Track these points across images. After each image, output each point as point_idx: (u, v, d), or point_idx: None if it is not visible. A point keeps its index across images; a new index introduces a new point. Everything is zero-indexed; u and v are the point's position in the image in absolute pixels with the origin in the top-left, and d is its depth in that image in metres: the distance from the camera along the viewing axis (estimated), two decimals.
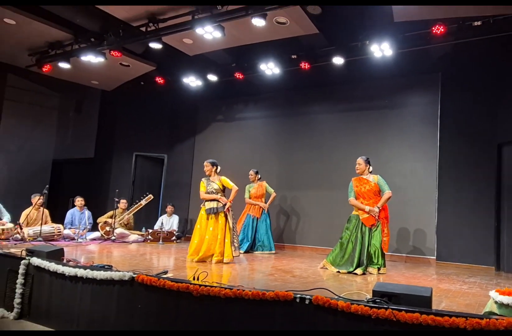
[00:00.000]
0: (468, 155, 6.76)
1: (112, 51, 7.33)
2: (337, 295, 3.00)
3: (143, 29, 6.72)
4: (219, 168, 6.15)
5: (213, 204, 5.88)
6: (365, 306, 2.67)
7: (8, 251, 4.96)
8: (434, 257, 6.80)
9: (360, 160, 5.76)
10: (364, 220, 5.49)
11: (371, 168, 5.80)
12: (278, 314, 2.96)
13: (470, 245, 6.53)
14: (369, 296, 2.89)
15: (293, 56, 7.53)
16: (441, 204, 6.88)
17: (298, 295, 2.92)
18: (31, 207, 7.59)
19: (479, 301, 3.75)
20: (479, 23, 5.90)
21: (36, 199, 7.56)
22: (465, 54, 6.83)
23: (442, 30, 6.06)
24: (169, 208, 9.08)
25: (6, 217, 7.14)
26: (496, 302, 2.67)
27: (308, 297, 2.88)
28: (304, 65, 7.39)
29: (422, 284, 4.64)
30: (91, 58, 7.52)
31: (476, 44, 6.27)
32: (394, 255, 7.11)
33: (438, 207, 6.89)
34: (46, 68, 8.26)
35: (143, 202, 8.63)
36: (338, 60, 7.08)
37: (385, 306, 2.64)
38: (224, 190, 6.10)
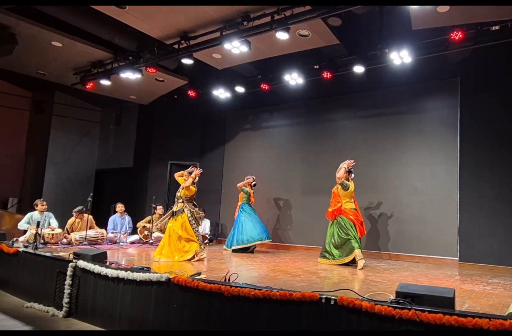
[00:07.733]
0: (489, 157, 6.54)
1: (148, 68, 7.51)
2: (361, 296, 2.96)
3: (176, 46, 6.87)
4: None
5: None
6: (389, 306, 2.62)
7: (57, 254, 5.11)
8: (457, 258, 6.57)
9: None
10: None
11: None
12: (304, 313, 2.94)
13: (493, 246, 6.29)
14: (393, 297, 2.83)
15: (315, 66, 7.50)
16: (462, 206, 6.66)
17: (324, 296, 2.90)
18: (73, 218, 7.81)
19: (503, 302, 3.62)
20: (497, 27, 5.73)
21: (75, 214, 7.78)
22: (483, 58, 6.65)
23: (460, 36, 5.91)
24: (202, 214, 9.16)
25: (55, 224, 7.36)
26: None
27: (333, 297, 2.86)
28: (326, 75, 7.35)
29: (445, 285, 4.50)
30: (129, 75, 7.73)
31: (494, 48, 6.10)
32: (416, 256, 6.93)
33: (460, 209, 6.67)
34: (89, 85, 8.55)
35: None
36: (358, 69, 7.00)
37: (408, 307, 2.58)
38: None
